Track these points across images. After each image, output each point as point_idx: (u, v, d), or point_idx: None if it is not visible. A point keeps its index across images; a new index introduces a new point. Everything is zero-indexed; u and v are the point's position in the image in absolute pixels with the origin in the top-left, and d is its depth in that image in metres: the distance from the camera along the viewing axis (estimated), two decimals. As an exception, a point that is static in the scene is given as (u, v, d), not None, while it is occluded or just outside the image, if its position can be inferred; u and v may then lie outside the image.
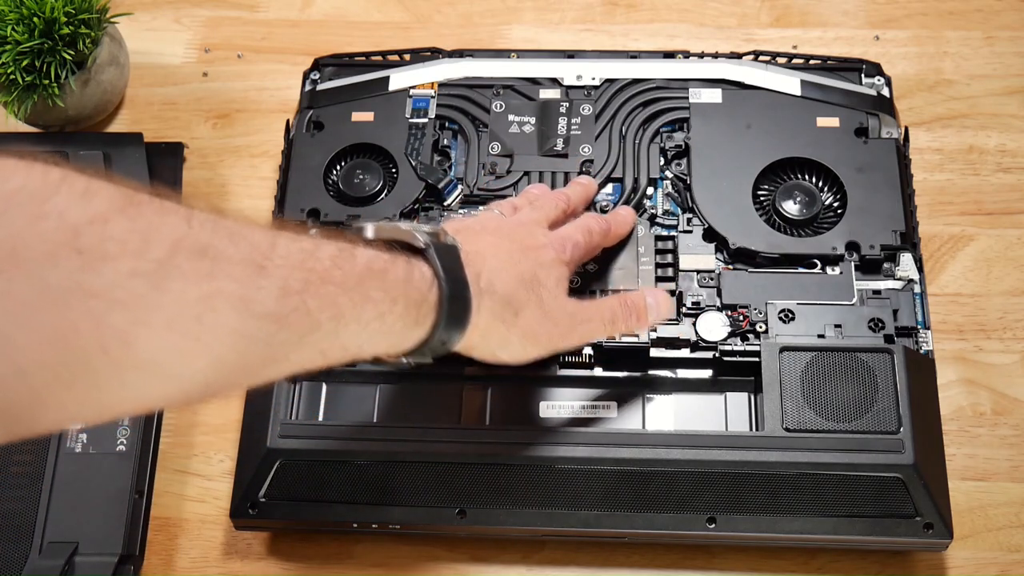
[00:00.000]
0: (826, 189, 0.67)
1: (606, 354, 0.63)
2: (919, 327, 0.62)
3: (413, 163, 0.69)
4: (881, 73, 0.71)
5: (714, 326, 0.62)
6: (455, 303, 0.48)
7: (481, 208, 0.67)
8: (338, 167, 0.70)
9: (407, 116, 0.71)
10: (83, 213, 0.34)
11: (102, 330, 0.34)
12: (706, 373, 0.64)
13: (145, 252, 0.35)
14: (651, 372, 0.64)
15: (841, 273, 0.64)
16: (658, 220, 0.67)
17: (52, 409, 0.35)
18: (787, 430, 0.59)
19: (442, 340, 0.49)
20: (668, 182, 0.68)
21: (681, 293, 0.64)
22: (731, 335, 0.62)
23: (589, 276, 0.64)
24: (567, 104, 0.70)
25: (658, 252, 0.65)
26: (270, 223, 0.42)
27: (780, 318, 0.62)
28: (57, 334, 0.33)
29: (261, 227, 0.41)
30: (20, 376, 0.33)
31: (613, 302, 0.58)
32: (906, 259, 0.64)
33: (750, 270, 0.64)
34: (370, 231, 0.48)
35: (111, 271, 0.34)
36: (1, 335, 0.33)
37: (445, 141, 0.70)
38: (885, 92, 0.70)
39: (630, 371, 0.64)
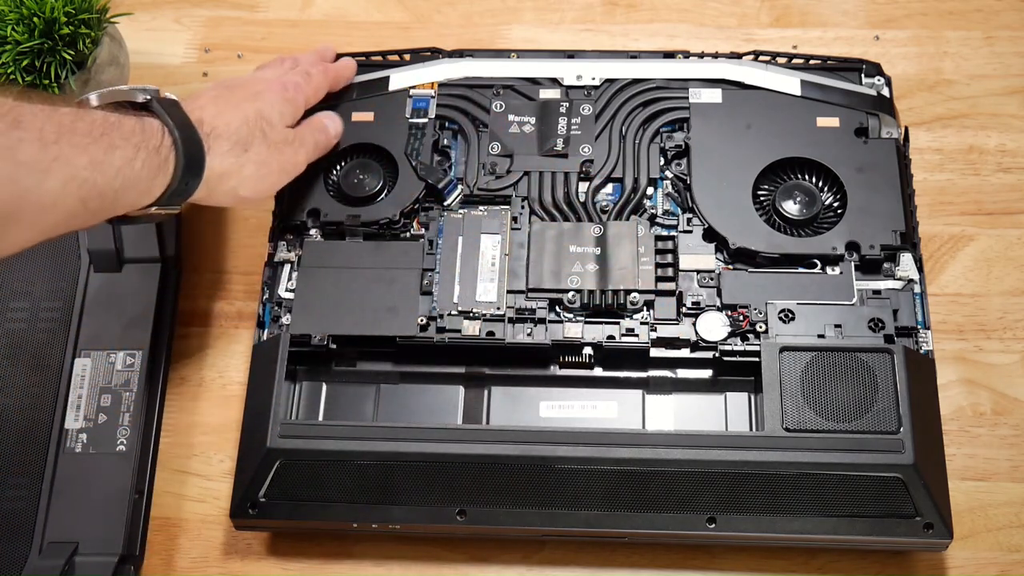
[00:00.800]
0: (826, 189, 0.67)
1: (606, 354, 0.63)
2: (919, 327, 0.62)
3: (413, 163, 0.69)
4: (881, 73, 0.71)
5: (714, 326, 0.62)
6: (188, 145, 0.56)
7: (481, 208, 0.67)
8: (338, 167, 0.70)
9: (407, 116, 0.71)
10: None
11: None
12: (706, 373, 0.64)
13: None
14: (651, 372, 0.64)
15: (841, 273, 0.64)
16: (658, 220, 0.67)
17: None
18: (787, 430, 0.59)
19: (185, 182, 0.56)
20: (668, 182, 0.68)
21: (681, 293, 0.64)
22: (731, 335, 0.62)
23: (589, 276, 0.64)
24: (567, 104, 0.70)
25: (658, 252, 0.65)
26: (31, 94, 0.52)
27: (780, 318, 0.62)
28: None
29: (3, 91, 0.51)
30: None
31: (309, 129, 0.66)
32: (906, 259, 0.64)
33: (750, 270, 0.64)
34: (94, 99, 0.57)
35: None
36: None
37: (445, 141, 0.70)
38: (885, 92, 0.70)
39: (630, 371, 0.64)
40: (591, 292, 0.63)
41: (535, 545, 0.63)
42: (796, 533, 0.58)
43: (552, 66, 0.73)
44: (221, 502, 0.65)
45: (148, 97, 0.57)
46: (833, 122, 0.68)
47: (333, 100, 0.71)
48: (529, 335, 0.63)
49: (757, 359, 0.61)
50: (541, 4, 0.83)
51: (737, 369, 0.62)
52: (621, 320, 0.63)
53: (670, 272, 0.64)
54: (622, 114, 0.70)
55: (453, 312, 0.64)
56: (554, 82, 0.72)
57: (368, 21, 0.83)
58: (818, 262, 0.64)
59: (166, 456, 0.67)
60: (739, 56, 0.73)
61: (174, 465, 0.67)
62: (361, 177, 0.69)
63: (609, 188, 0.68)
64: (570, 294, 0.63)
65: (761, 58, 0.72)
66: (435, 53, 0.74)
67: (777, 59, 0.72)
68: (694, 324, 0.63)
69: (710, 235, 0.66)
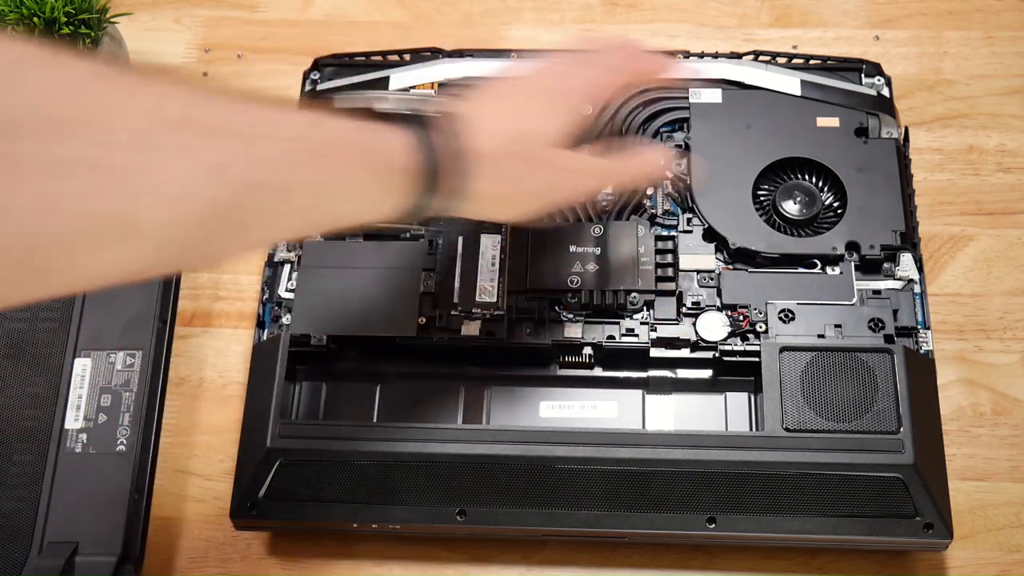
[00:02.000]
0: (826, 189, 0.67)
1: (606, 354, 0.63)
2: (919, 327, 0.62)
3: (413, 163, 0.68)
4: (881, 73, 0.71)
5: (714, 326, 0.62)
6: (440, 164, 0.47)
7: None
8: (338, 167, 0.70)
9: (407, 116, 0.71)
10: (58, 87, 0.35)
11: (86, 200, 0.36)
12: (706, 373, 0.64)
13: (123, 124, 0.36)
14: (651, 372, 0.64)
15: (841, 273, 0.64)
16: (658, 220, 0.67)
17: (53, 275, 0.37)
18: (787, 430, 0.59)
19: (423, 206, 0.48)
20: (668, 182, 0.68)
21: (681, 293, 0.64)
22: (731, 335, 0.62)
23: (589, 276, 0.64)
24: (567, 104, 0.70)
25: (658, 252, 0.65)
26: (246, 92, 0.43)
27: (780, 318, 0.62)
28: (44, 204, 0.35)
29: (238, 97, 0.42)
30: (21, 239, 0.35)
31: (613, 165, 0.56)
32: (906, 259, 0.64)
33: (750, 270, 0.64)
34: (337, 101, 0.48)
35: (91, 143, 0.35)
36: None
37: (445, 141, 0.70)
38: (885, 92, 0.70)
39: (630, 371, 0.64)
40: (591, 292, 0.63)
41: (535, 545, 0.63)
42: (796, 533, 0.58)
43: (552, 66, 0.72)
44: (221, 502, 0.65)
45: (415, 110, 0.48)
46: (833, 122, 0.68)
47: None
48: (529, 335, 0.63)
49: (757, 359, 0.61)
50: (541, 4, 0.83)
51: (737, 369, 0.62)
52: (621, 320, 0.63)
53: (670, 272, 0.64)
54: (622, 114, 0.70)
55: (453, 312, 0.64)
56: (554, 82, 0.72)
57: (368, 21, 0.83)
58: (818, 262, 0.64)
59: (166, 456, 0.67)
60: (739, 56, 0.73)
61: (174, 465, 0.67)
62: (361, 177, 0.69)
63: (609, 188, 0.68)
64: (570, 294, 0.63)
65: (761, 58, 0.72)
66: (435, 53, 0.74)
67: (777, 59, 0.72)
68: (694, 324, 0.63)
69: (710, 235, 0.65)
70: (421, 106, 0.49)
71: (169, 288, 0.69)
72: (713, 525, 0.58)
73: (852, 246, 0.64)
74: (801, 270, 0.64)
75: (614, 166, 0.56)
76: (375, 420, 0.64)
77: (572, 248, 0.65)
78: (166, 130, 0.37)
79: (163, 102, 0.38)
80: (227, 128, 0.40)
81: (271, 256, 0.67)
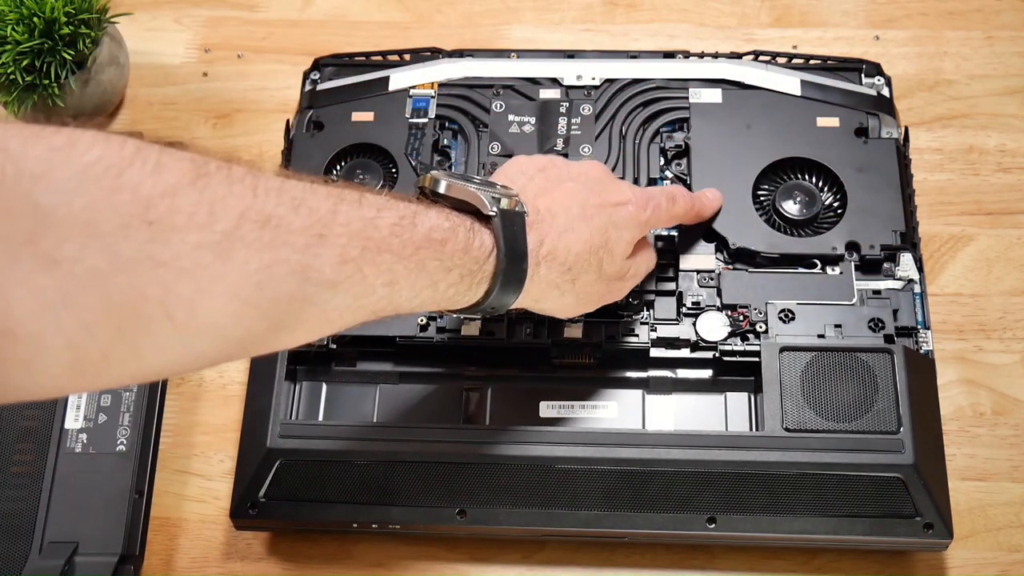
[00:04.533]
0: (826, 189, 0.67)
1: (606, 354, 0.63)
2: (919, 327, 0.62)
3: (413, 163, 0.69)
4: (881, 73, 0.71)
5: (714, 326, 0.62)
6: (511, 274, 0.49)
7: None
8: (338, 167, 0.70)
9: (407, 116, 0.71)
10: (154, 186, 0.36)
11: (168, 298, 0.37)
12: (706, 373, 0.64)
13: (212, 224, 0.38)
14: (651, 372, 0.64)
15: (841, 273, 0.64)
16: (658, 220, 0.67)
17: (116, 365, 0.38)
18: (787, 430, 0.59)
19: (493, 306, 0.50)
20: (668, 182, 0.68)
21: (681, 293, 0.64)
22: (731, 335, 0.62)
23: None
24: (567, 104, 0.70)
25: (658, 252, 0.65)
26: (334, 186, 0.44)
27: (780, 318, 0.62)
28: (125, 300, 0.36)
29: (325, 192, 0.43)
30: (87, 334, 0.36)
31: (646, 253, 0.60)
32: (906, 259, 0.64)
33: (750, 270, 0.64)
34: (442, 186, 0.49)
35: (179, 242, 0.37)
36: (72, 297, 0.35)
37: (445, 141, 0.70)
38: (885, 92, 0.70)
39: (630, 371, 0.64)
40: (591, 292, 0.63)
41: (535, 545, 0.63)
42: (796, 533, 0.58)
43: (552, 66, 0.73)
44: (221, 502, 0.65)
45: (495, 212, 0.48)
46: (833, 122, 0.68)
47: (333, 100, 0.71)
48: (529, 335, 0.63)
49: (757, 359, 0.61)
50: (541, 4, 0.83)
51: (737, 369, 0.62)
52: (621, 320, 0.63)
53: (670, 272, 0.64)
54: (622, 114, 0.70)
55: (453, 312, 0.64)
56: (554, 82, 0.72)
57: (368, 21, 0.83)
58: (818, 262, 0.64)
59: (166, 456, 0.67)
60: (739, 56, 0.73)
61: (174, 465, 0.67)
62: (361, 177, 0.69)
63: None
64: (570, 294, 0.63)
65: (761, 58, 0.72)
66: (435, 53, 0.74)
67: (777, 59, 0.72)
68: (694, 324, 0.63)
69: (710, 235, 0.65)
70: (503, 195, 0.50)
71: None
72: (713, 525, 0.58)
73: (852, 246, 0.64)
74: (801, 270, 0.64)
75: (639, 264, 0.60)
76: (375, 420, 0.64)
77: (572, 248, 0.65)
78: (251, 229, 0.39)
79: (253, 203, 0.39)
80: (311, 228, 0.41)
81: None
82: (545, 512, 0.59)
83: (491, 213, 0.48)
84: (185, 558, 0.64)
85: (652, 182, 0.68)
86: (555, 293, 0.53)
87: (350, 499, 0.60)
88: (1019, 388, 0.66)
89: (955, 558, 0.61)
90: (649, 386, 0.64)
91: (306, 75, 0.75)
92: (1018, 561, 0.61)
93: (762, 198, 0.67)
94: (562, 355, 0.64)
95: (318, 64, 0.75)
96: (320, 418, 0.64)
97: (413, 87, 0.72)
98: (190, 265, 0.37)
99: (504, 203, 0.49)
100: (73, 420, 0.65)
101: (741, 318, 0.63)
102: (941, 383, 0.62)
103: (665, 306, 0.63)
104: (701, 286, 0.64)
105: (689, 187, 0.67)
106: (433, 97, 0.72)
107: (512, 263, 0.49)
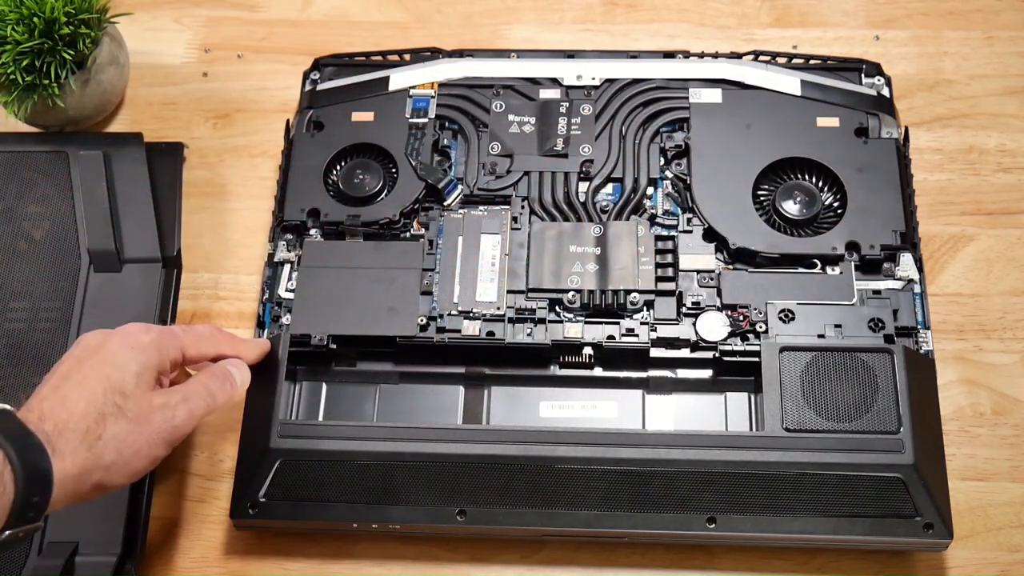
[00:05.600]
0: (826, 189, 0.67)
1: (606, 354, 0.63)
2: (919, 327, 0.62)
3: (413, 163, 0.69)
4: (881, 73, 0.71)
5: (714, 326, 0.62)
6: (26, 457, 0.47)
7: (481, 208, 0.67)
8: (338, 167, 0.70)
9: (407, 116, 0.71)
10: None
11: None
12: (706, 373, 0.64)
13: None
14: (651, 372, 0.64)
15: (841, 273, 0.64)
16: (658, 220, 0.67)
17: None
18: (787, 430, 0.59)
19: (33, 499, 0.47)
20: (668, 182, 0.68)
21: (681, 293, 0.64)
22: (731, 335, 0.62)
23: (589, 276, 0.64)
24: (567, 104, 0.70)
25: (658, 252, 0.65)
26: None
27: (780, 318, 0.62)
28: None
29: None
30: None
31: (204, 378, 0.57)
32: (906, 259, 0.64)
33: (750, 270, 0.64)
34: None
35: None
36: None
37: (445, 141, 0.70)
38: (885, 92, 0.70)
39: (630, 371, 0.64)
40: (591, 292, 0.63)
41: (535, 545, 0.63)
42: (796, 533, 0.58)
43: (552, 66, 0.73)
44: (221, 502, 0.65)
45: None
46: (833, 122, 0.68)
47: (333, 100, 0.71)
48: (529, 335, 0.63)
49: (757, 359, 0.61)
50: (541, 4, 0.83)
51: (737, 369, 0.62)
52: (621, 320, 0.63)
53: (670, 272, 0.64)
54: (622, 114, 0.70)
55: (453, 312, 0.64)
56: (554, 82, 0.72)
57: (368, 21, 0.83)
58: (818, 262, 0.64)
59: (166, 456, 0.67)
60: (739, 56, 0.73)
61: (174, 465, 0.67)
62: (361, 177, 0.69)
63: (609, 188, 0.68)
64: (570, 294, 0.64)
65: (761, 58, 0.72)
66: (435, 53, 0.74)
67: (777, 59, 0.72)
68: (694, 324, 0.63)
69: (710, 235, 0.66)
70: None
71: (169, 288, 0.69)
72: (713, 525, 0.58)
73: (852, 246, 0.64)
74: (801, 270, 0.64)
75: (207, 381, 0.57)
76: (375, 420, 0.64)
77: (572, 248, 0.65)
78: None
79: None
80: None
81: (271, 256, 0.67)
82: (545, 512, 0.59)
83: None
84: (185, 558, 0.64)
85: (652, 182, 0.68)
86: (90, 458, 0.50)
87: (350, 499, 0.60)
88: (1019, 388, 0.66)
89: (955, 558, 0.61)
90: (649, 386, 0.64)
91: (306, 75, 0.75)
92: (1018, 561, 0.61)
93: (762, 198, 0.67)
94: (562, 355, 0.64)
95: (318, 64, 0.75)
96: (320, 418, 0.64)
97: (413, 87, 0.72)
98: None
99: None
100: (73, 420, 0.64)
101: (741, 318, 0.63)
102: (941, 383, 0.62)
103: (665, 306, 0.63)
104: (701, 286, 0.64)
105: (689, 187, 0.67)
106: (433, 97, 0.72)
107: (19, 444, 0.47)
